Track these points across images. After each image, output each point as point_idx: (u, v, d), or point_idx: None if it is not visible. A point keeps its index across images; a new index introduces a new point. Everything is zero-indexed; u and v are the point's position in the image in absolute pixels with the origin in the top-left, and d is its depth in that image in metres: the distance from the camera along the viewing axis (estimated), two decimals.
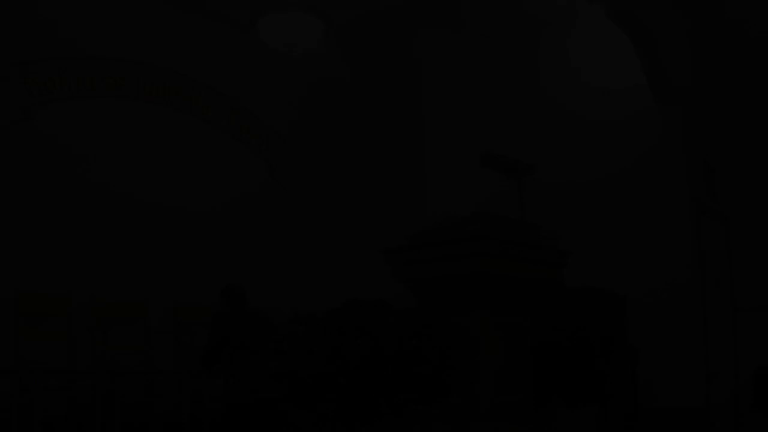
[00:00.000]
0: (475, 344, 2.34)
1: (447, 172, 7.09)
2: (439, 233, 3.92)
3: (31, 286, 5.25)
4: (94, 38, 6.09)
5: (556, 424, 4.19)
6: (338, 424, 2.18)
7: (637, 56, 6.31)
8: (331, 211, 7.53)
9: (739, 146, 7.18)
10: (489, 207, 4.06)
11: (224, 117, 7.01)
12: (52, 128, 5.76)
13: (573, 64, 6.99)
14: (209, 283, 5.79)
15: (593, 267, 5.58)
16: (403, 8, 6.77)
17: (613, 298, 5.22)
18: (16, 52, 5.59)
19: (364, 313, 2.20)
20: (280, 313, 6.44)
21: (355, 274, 6.45)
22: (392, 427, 2.21)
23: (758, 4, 5.98)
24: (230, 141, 7.06)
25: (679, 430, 5.77)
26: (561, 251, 4.28)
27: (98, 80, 6.09)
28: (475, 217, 3.88)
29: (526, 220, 4.04)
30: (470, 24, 7.11)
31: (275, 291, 6.48)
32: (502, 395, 3.76)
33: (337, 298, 2.39)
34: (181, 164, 6.51)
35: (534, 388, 4.06)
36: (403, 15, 6.89)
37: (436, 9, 6.82)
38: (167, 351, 6.01)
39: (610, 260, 6.15)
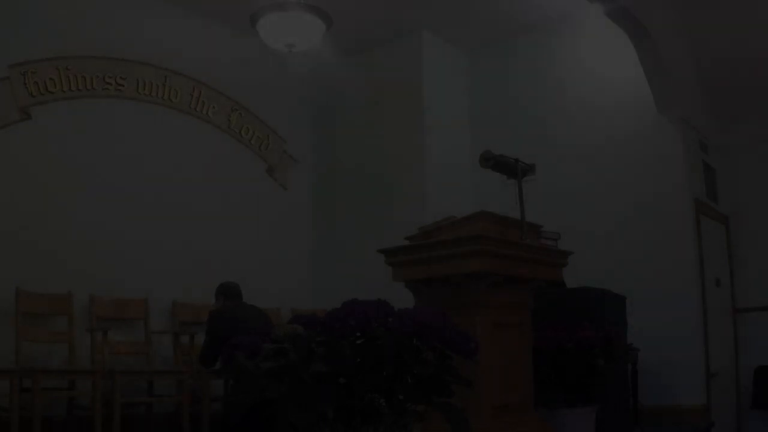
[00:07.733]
0: (474, 344, 2.34)
1: (447, 172, 7.10)
2: (438, 233, 3.91)
3: (31, 286, 5.25)
4: (94, 38, 6.08)
5: (556, 424, 4.19)
6: (338, 424, 2.18)
7: (638, 56, 6.31)
8: (331, 210, 7.54)
9: (740, 146, 7.19)
10: (489, 207, 4.05)
11: (224, 117, 7.01)
12: (52, 128, 5.76)
13: (573, 64, 7.00)
14: (210, 282, 5.79)
15: (593, 267, 5.59)
16: (404, 8, 6.78)
17: (613, 298, 5.22)
18: (16, 52, 5.59)
19: (363, 313, 2.19)
20: (280, 313, 6.48)
21: (355, 274, 6.46)
22: (392, 427, 2.20)
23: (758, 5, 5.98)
24: (230, 141, 7.06)
25: (679, 429, 5.77)
26: (561, 251, 4.28)
27: (98, 80, 6.09)
28: (475, 217, 3.88)
29: (526, 220, 4.03)
30: (471, 24, 7.12)
31: (275, 291, 6.48)
32: (502, 395, 3.76)
33: (337, 298, 2.39)
34: (182, 164, 6.51)
35: (534, 388, 4.06)
36: (404, 15, 6.89)
37: (437, 9, 6.82)
38: (167, 351, 6.02)
39: (610, 260, 6.15)
